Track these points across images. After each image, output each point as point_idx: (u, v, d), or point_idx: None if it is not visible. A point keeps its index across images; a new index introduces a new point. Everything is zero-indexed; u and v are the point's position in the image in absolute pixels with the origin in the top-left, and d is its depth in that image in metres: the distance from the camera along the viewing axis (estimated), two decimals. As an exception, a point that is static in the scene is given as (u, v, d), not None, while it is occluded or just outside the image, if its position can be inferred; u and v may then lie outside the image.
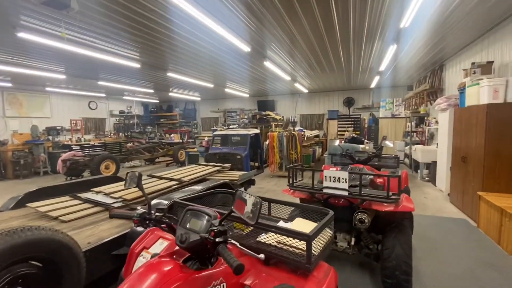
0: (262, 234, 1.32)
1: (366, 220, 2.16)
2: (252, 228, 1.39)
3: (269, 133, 7.31)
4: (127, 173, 1.32)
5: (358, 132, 10.73)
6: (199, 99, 14.53)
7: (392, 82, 10.12)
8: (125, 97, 12.91)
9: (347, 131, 9.43)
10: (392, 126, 10.66)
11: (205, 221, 1.04)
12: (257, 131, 8.07)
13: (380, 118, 10.93)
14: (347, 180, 2.20)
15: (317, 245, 1.20)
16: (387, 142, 4.40)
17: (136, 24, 4.27)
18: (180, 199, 1.62)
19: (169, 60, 6.50)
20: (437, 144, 6.34)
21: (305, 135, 7.83)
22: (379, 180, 2.98)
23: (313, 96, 12.79)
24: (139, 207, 1.27)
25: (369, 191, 2.36)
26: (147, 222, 1.15)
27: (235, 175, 4.29)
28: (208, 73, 7.91)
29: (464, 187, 4.26)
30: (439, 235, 3.50)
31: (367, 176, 2.72)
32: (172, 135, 12.53)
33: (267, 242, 1.28)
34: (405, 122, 9.92)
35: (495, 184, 3.64)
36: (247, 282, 1.11)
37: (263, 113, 10.34)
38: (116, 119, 13.92)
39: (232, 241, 0.99)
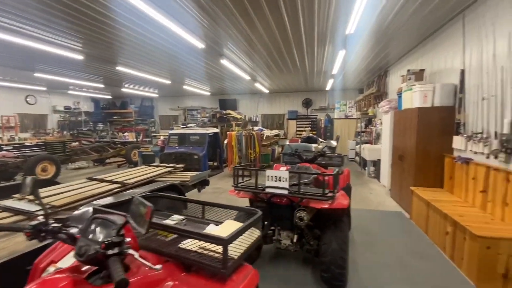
0: (186, 240, 1.27)
1: (305, 218, 2.23)
2: (175, 234, 1.32)
3: (228, 132, 7.23)
4: (23, 178, 1.15)
5: (315, 132, 11.24)
6: (156, 95, 13.82)
7: (344, 85, 10.78)
8: (70, 92, 11.70)
9: (305, 130, 9.84)
10: (345, 127, 11.37)
11: (110, 231, 0.95)
12: (217, 130, 7.96)
13: (335, 119, 11.58)
14: (287, 179, 2.24)
15: (238, 248, 1.18)
16: (332, 142, 4.65)
17: (76, 13, 3.89)
18: (101, 205, 1.48)
19: (117, 53, 6.04)
20: (381, 143, 6.91)
21: (264, 135, 7.93)
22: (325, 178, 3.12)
23: (274, 96, 13.04)
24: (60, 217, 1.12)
25: (310, 189, 2.44)
26: (42, 234, 1.01)
27: (187, 176, 4.14)
28: (164, 68, 7.54)
29: (401, 183, 4.69)
30: (378, 228, 3.80)
31: (310, 174, 2.82)
32: (126, 133, 11.72)
33: (188, 248, 1.22)
34: (356, 123, 10.64)
35: (424, 180, 4.07)
36: (163, 292, 1.05)
37: (224, 112, 10.22)
38: (60, 116, 12.57)
39: (130, 251, 0.92)
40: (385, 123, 6.08)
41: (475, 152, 3.36)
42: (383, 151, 6.17)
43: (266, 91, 11.82)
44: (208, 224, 1.52)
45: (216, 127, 9.63)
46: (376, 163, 6.86)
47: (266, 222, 2.62)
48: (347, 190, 3.47)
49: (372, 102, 7.96)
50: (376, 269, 2.74)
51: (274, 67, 7.51)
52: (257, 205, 2.52)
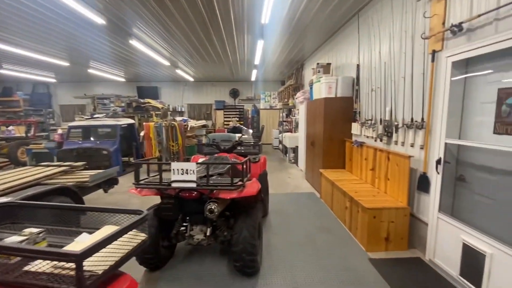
0: (36, 261, 0.98)
1: (215, 210, 2.14)
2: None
3: (145, 123, 6.54)
4: None
5: (242, 122, 11.37)
6: (54, 80, 11.42)
7: (268, 76, 11.19)
8: None
9: (231, 121, 9.82)
10: (270, 117, 11.90)
11: None
12: (131, 121, 7.11)
13: (261, 109, 11.96)
14: (194, 172, 2.10)
15: (109, 258, 0.98)
16: (249, 130, 4.74)
17: None
18: None
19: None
20: (299, 131, 7.49)
21: (188, 125, 7.51)
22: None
23: (200, 85, 12.53)
24: None
25: (222, 179, 2.36)
26: None
27: (86, 175, 3.51)
28: (58, 46, 6.18)
29: (313, 166, 5.17)
30: (293, 209, 4.08)
31: (220, 164, 2.73)
32: (10, 127, 9.31)
33: (38, 270, 0.95)
34: (279, 113, 11.25)
35: (330, 162, 4.57)
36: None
37: (141, 100, 9.20)
38: None
39: None
40: (301, 113, 6.56)
41: (367, 137, 3.92)
42: (300, 138, 6.68)
43: (191, 79, 11.23)
44: (81, 233, 1.24)
45: (133, 117, 8.63)
46: (295, 150, 7.40)
47: (179, 218, 2.44)
48: (264, 176, 3.57)
49: (292, 94, 8.51)
50: (288, 248, 2.92)
51: (196, 54, 7.11)
52: (166, 201, 2.30)
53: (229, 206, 2.45)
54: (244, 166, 2.28)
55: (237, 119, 11.19)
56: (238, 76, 11.15)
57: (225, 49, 6.62)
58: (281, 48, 6.64)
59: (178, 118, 8.00)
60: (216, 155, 3.30)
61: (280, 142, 9.61)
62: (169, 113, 8.92)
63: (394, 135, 3.22)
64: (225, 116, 11.27)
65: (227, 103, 12.43)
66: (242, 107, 12.01)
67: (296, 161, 7.35)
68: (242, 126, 8.72)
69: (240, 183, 2.14)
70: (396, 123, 3.15)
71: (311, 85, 5.43)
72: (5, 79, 10.85)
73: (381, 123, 3.56)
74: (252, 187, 2.22)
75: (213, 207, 2.14)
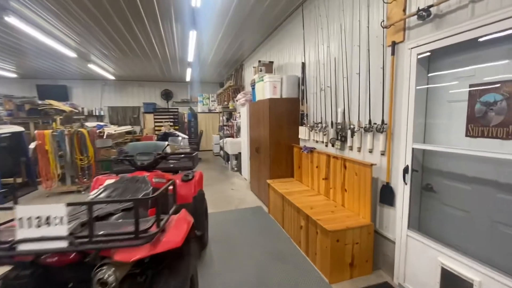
0: None
1: (111, 279, 1.25)
2: None
3: (36, 131, 4.85)
4: None
5: (177, 127, 10.15)
6: None
7: (205, 77, 10.28)
8: None
9: (163, 126, 8.57)
10: (209, 121, 11.00)
11: None
12: (17, 129, 5.29)
13: (198, 112, 10.95)
14: (64, 220, 1.17)
15: None
16: (177, 138, 3.88)
17: None
18: None
19: None
20: (241, 136, 6.87)
21: (104, 132, 6.04)
22: (171, 188, 2.19)
23: (124, 85, 10.74)
24: None
25: (119, 226, 1.44)
26: None
27: None
28: None
29: (259, 175, 4.58)
30: (239, 231, 3.37)
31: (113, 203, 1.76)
32: None
33: None
34: (219, 116, 10.48)
35: (278, 171, 4.04)
36: None
37: (39, 102, 7.14)
38: None
39: None
40: (243, 116, 5.95)
41: (317, 141, 3.52)
42: (243, 144, 6.06)
43: (112, 77, 9.43)
44: None
45: (26, 124, 6.58)
46: (238, 157, 6.75)
47: None
48: (200, 198, 2.76)
49: (232, 96, 7.86)
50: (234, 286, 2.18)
51: (112, 45, 5.75)
52: (16, 275, 1.28)
53: (139, 262, 1.56)
54: (159, 199, 1.44)
55: (171, 123, 9.91)
56: (170, 75, 9.92)
57: (150, 40, 5.51)
58: (217, 44, 5.91)
59: (91, 124, 6.41)
60: (127, 175, 2.33)
61: (221, 148, 8.83)
62: (80, 117, 7.15)
63: (349, 139, 2.85)
64: (156, 120, 9.83)
65: (159, 106, 10.99)
66: (176, 110, 10.75)
67: (239, 169, 6.69)
68: (176, 132, 7.60)
69: (152, 229, 1.31)
70: (351, 126, 2.77)
71: (253, 85, 4.85)
72: None
73: (332, 127, 3.17)
74: (175, 233, 1.41)
75: (106, 276, 1.24)
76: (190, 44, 5.66)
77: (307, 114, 3.84)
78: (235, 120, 7.96)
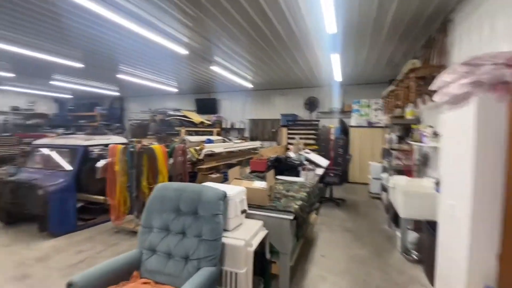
0: None
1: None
2: None
3: (110, 145, 3.75)
4: None
5: (316, 147, 7.29)
6: (117, 94, 11.03)
7: (366, 71, 6.64)
8: (4, 88, 9.35)
9: (292, 144, 5.97)
10: (367, 140, 7.26)
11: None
12: (119, 140, 4.56)
13: (351, 126, 7.53)
14: None
15: None
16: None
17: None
18: None
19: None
20: (434, 178, 2.93)
21: (201, 149, 4.33)
22: None
23: (266, 94, 9.38)
24: None
25: None
26: None
27: None
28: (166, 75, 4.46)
29: None
30: None
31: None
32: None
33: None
34: (383, 134, 6.53)
35: None
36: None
37: (170, 112, 6.85)
38: (4, 119, 10.29)
39: None
40: (452, 129, 2.10)
41: None
42: (446, 198, 2.16)
43: (250, 85, 8.20)
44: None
45: (161, 137, 6.24)
46: (425, 227, 2.82)
47: None
48: None
49: (413, 92, 3.88)
50: None
51: (249, 49, 3.97)
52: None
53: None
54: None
55: (306, 141, 7.17)
56: (315, 80, 7.34)
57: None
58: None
59: (193, 138, 4.95)
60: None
61: (385, 189, 4.95)
62: (203, 129, 6.05)
63: None
64: (289, 135, 7.54)
65: (301, 118, 8.65)
66: (316, 122, 7.92)
67: (425, 260, 2.76)
68: (307, 155, 4.71)
69: None
70: None
71: None
72: (86, 95, 11.24)
73: None
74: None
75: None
76: None
77: None
78: (419, 141, 3.89)
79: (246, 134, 9.67)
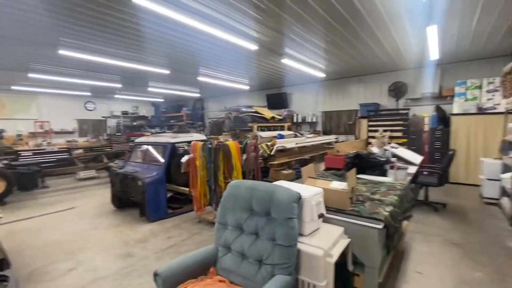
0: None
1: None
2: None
3: (192, 142, 4.06)
4: None
5: (404, 140, 6.28)
6: (198, 95, 12.12)
7: (475, 44, 5.22)
8: (117, 96, 11.58)
9: (375, 137, 5.27)
10: (478, 130, 5.79)
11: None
12: (199, 137, 4.95)
13: (453, 114, 6.14)
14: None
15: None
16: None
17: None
18: None
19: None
20: None
21: (272, 144, 4.26)
22: None
23: (341, 84, 8.62)
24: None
25: None
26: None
27: None
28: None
29: None
30: None
31: None
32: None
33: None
34: (504, 122, 5.04)
35: None
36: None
37: (243, 109, 7.01)
38: (117, 121, 12.81)
39: None
40: None
41: None
42: None
43: (322, 75, 7.65)
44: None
45: (235, 134, 6.53)
46: None
47: None
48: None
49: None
50: None
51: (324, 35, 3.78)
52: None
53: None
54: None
55: (388, 133, 6.17)
56: (402, 62, 6.27)
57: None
58: None
59: (265, 134, 4.90)
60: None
61: (507, 194, 3.79)
62: (274, 125, 6.03)
63: None
64: (370, 128, 6.67)
65: (384, 107, 7.59)
66: (406, 111, 6.74)
67: None
68: (394, 149, 4.04)
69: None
70: None
71: None
72: (174, 98, 12.86)
73: None
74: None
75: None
76: None
77: None
78: None
79: (319, 127, 9.17)
